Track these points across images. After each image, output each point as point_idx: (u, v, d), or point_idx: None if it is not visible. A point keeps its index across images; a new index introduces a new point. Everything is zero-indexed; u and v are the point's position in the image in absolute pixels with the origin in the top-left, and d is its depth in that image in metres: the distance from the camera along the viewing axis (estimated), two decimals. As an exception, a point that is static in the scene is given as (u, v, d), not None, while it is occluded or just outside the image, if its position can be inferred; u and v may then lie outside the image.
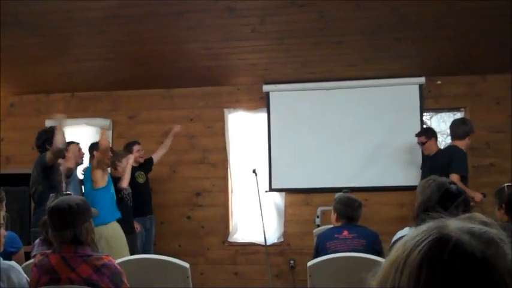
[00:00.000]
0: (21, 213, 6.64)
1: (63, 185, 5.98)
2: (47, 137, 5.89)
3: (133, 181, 6.84)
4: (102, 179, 6.19)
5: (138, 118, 8.13)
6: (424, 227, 0.95)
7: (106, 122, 8.06)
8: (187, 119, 8.00)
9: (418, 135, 6.85)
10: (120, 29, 6.13)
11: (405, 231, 3.33)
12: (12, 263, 2.87)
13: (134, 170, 6.95)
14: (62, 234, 3.00)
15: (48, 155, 5.67)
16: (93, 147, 6.62)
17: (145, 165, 7.23)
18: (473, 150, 7.38)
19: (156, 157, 7.34)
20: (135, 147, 6.98)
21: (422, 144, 6.76)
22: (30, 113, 8.24)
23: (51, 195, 4.19)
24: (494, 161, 7.32)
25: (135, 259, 4.21)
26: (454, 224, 0.94)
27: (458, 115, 7.66)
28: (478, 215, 2.05)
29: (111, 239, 5.95)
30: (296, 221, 7.71)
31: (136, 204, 6.81)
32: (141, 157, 7.13)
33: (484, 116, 7.38)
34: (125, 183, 6.55)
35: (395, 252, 0.95)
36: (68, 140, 6.67)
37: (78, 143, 6.76)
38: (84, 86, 7.96)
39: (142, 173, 7.15)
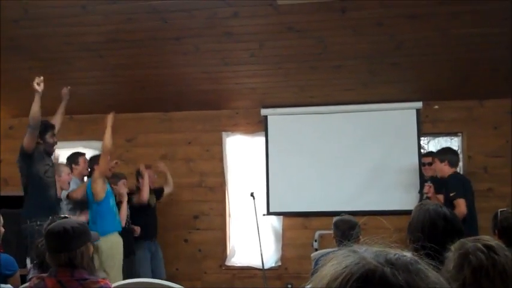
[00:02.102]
0: (18, 235, 6.60)
1: (50, 171, 5.81)
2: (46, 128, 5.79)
3: (145, 204, 6.90)
4: (102, 190, 6.19)
5: (136, 141, 8.13)
6: (342, 262, 0.94)
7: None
8: (185, 142, 8.01)
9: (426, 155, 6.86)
10: (119, 53, 6.17)
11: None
12: (8, 286, 2.86)
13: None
14: (57, 257, 2.98)
15: (25, 137, 5.50)
16: (93, 161, 6.60)
17: (157, 192, 7.27)
18: (470, 175, 7.38)
19: (167, 190, 7.39)
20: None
21: (429, 164, 6.75)
22: (28, 135, 8.23)
23: (49, 217, 4.17)
24: (491, 185, 7.32)
25: (132, 283, 4.18)
26: (370, 254, 0.94)
27: (456, 140, 7.67)
28: (486, 237, 2.05)
29: (103, 253, 5.92)
30: (294, 244, 7.69)
31: (144, 226, 6.83)
32: (153, 182, 7.14)
33: (481, 140, 7.40)
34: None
35: None
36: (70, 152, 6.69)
37: (84, 154, 6.77)
38: (82, 109, 7.97)
39: (154, 196, 7.17)
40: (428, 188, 6.31)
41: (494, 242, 2.05)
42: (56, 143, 5.93)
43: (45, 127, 5.77)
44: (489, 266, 1.93)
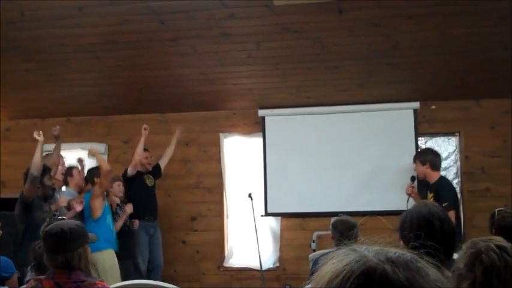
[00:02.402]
0: (15, 237, 6.59)
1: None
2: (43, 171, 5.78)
3: (141, 183, 6.97)
4: (100, 207, 6.21)
5: (133, 142, 8.10)
6: (343, 260, 0.94)
7: (101, 147, 8.06)
8: (182, 143, 7.99)
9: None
10: (115, 54, 6.17)
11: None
12: (5, 288, 2.86)
13: (143, 174, 7.09)
14: (54, 258, 2.98)
15: (25, 186, 5.55)
16: (93, 173, 6.56)
17: (154, 171, 7.29)
18: (468, 175, 7.41)
19: (162, 162, 7.40)
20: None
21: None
22: (26, 137, 8.20)
23: (47, 219, 4.17)
24: (489, 185, 7.33)
25: (129, 285, 4.18)
26: (371, 252, 0.95)
27: (453, 140, 7.68)
28: (498, 238, 2.05)
29: (98, 265, 5.91)
30: (292, 245, 7.68)
31: (141, 207, 6.83)
32: (150, 163, 7.19)
33: (478, 140, 7.40)
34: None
35: None
36: (66, 164, 6.69)
37: (76, 167, 6.78)
38: (79, 111, 7.97)
39: (151, 176, 7.20)
40: (411, 189, 6.37)
41: (507, 243, 2.05)
42: (53, 184, 5.95)
43: (43, 171, 5.76)
44: (501, 266, 1.93)
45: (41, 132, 5.71)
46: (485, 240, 2.04)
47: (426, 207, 2.68)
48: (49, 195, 5.86)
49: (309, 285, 1.06)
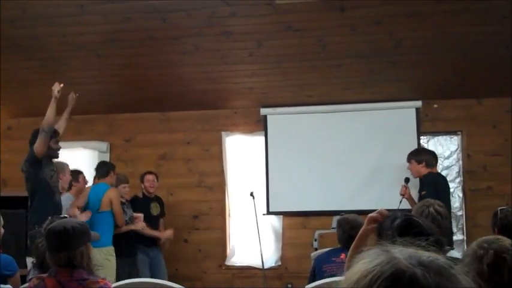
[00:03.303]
0: (17, 236, 6.60)
1: (57, 183, 5.77)
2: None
3: (147, 211, 6.90)
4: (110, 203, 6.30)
5: (134, 141, 8.13)
6: (373, 260, 0.94)
7: (103, 145, 8.06)
8: (184, 142, 8.00)
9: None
10: (117, 53, 6.17)
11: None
12: (8, 287, 2.85)
13: (150, 200, 7.04)
14: (56, 256, 2.97)
15: (37, 142, 5.41)
16: (109, 166, 6.63)
17: (160, 202, 7.26)
18: (470, 174, 7.40)
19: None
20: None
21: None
22: (27, 135, 8.14)
23: (49, 217, 4.16)
24: (491, 184, 7.32)
25: (132, 283, 4.18)
26: (403, 254, 0.94)
27: (455, 138, 7.67)
28: (503, 238, 2.04)
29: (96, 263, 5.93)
30: (294, 244, 7.68)
31: (142, 235, 6.80)
32: (152, 187, 7.07)
33: (480, 139, 7.40)
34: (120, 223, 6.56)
35: None
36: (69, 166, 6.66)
37: (82, 172, 6.81)
38: (81, 109, 7.93)
39: (158, 205, 7.14)
40: (404, 189, 6.42)
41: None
42: (59, 148, 5.88)
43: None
44: None
45: (62, 85, 5.54)
46: (495, 240, 2.04)
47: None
48: (55, 157, 5.78)
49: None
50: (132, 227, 6.65)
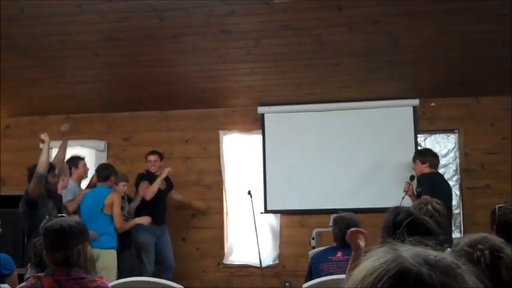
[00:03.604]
0: (15, 235, 6.61)
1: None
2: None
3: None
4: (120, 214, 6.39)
5: (133, 140, 8.13)
6: (380, 258, 0.94)
7: (101, 144, 8.06)
8: (182, 140, 8.00)
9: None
10: (115, 51, 6.17)
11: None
12: (5, 286, 2.85)
13: (155, 177, 7.08)
14: (53, 255, 2.97)
15: (31, 184, 5.53)
16: (110, 170, 6.64)
17: (168, 182, 7.34)
18: (468, 172, 7.41)
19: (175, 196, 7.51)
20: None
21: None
22: (25, 134, 8.23)
23: (47, 216, 4.17)
24: (489, 182, 7.33)
25: (129, 281, 4.18)
26: (409, 253, 0.94)
27: (452, 137, 7.68)
28: (497, 239, 2.04)
29: (99, 264, 5.98)
30: (291, 242, 7.68)
31: (150, 209, 6.87)
32: (155, 167, 7.18)
33: (478, 137, 7.40)
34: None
35: (353, 286, 0.95)
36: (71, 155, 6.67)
37: (83, 158, 6.79)
38: (79, 108, 7.97)
39: (165, 182, 7.20)
40: (408, 186, 6.47)
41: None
42: (58, 182, 5.93)
43: (48, 168, 5.71)
44: None
45: (46, 134, 5.70)
46: (486, 239, 2.04)
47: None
48: (54, 192, 5.83)
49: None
50: (137, 221, 6.73)
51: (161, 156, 7.24)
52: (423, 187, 6.13)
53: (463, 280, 0.91)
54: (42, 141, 5.68)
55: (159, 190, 7.05)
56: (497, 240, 2.05)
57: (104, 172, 6.58)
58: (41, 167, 5.48)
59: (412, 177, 6.62)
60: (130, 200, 7.01)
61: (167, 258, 7.09)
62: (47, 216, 3.70)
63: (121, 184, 6.76)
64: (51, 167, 5.79)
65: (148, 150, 7.56)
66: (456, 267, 0.92)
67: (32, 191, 5.51)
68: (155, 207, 6.97)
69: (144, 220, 6.73)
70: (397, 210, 2.75)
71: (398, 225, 2.60)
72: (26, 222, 5.64)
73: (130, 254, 6.76)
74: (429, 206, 3.56)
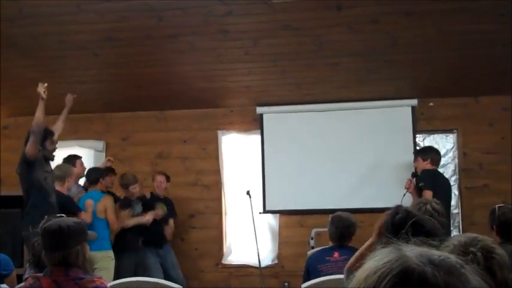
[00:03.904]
0: (13, 235, 6.60)
1: (50, 181, 5.74)
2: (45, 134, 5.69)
3: (151, 210, 6.87)
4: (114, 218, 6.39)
5: (131, 140, 8.12)
6: (384, 258, 0.94)
7: (99, 144, 8.05)
8: (180, 140, 7.99)
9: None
10: (114, 51, 6.17)
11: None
12: (4, 286, 2.84)
13: (157, 200, 7.00)
14: (51, 255, 2.97)
15: (28, 143, 5.41)
16: (99, 173, 6.62)
17: (169, 204, 7.21)
18: (466, 172, 7.41)
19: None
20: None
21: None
22: (24, 135, 8.16)
23: (45, 216, 4.16)
24: (487, 182, 7.33)
25: (127, 282, 4.18)
26: (413, 253, 0.94)
27: (451, 136, 7.68)
28: (488, 239, 2.04)
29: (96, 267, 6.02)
30: (290, 242, 7.68)
31: (150, 233, 6.83)
32: (160, 188, 7.10)
33: (476, 137, 7.40)
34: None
35: (357, 286, 0.95)
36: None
37: (80, 157, 6.79)
38: (77, 108, 7.91)
39: (164, 206, 7.06)
40: (409, 182, 6.46)
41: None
42: (55, 149, 5.88)
43: (45, 134, 5.66)
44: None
45: (46, 85, 5.51)
46: (475, 240, 2.04)
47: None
48: (50, 158, 5.80)
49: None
50: (138, 219, 6.71)
51: (168, 178, 7.17)
52: (425, 182, 6.12)
53: (467, 280, 0.90)
54: (42, 97, 5.48)
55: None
56: (487, 240, 2.05)
57: (92, 176, 6.58)
58: (36, 123, 5.37)
59: (413, 174, 6.60)
60: (141, 200, 6.99)
61: (176, 275, 6.93)
62: (45, 217, 3.70)
63: (131, 187, 6.78)
64: (49, 132, 5.75)
65: (146, 151, 7.59)
66: (460, 267, 0.92)
67: (30, 152, 5.41)
68: (152, 230, 6.87)
69: (147, 218, 6.70)
70: (396, 209, 2.74)
71: (397, 225, 2.59)
72: (23, 184, 5.61)
73: (139, 257, 6.72)
74: (428, 206, 3.56)
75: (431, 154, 6.53)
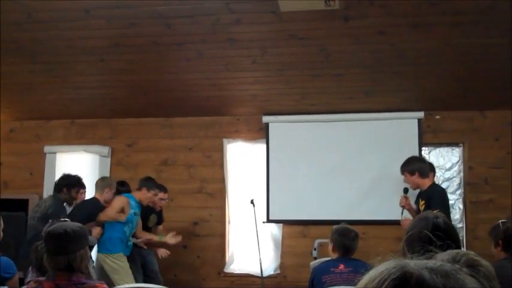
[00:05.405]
0: (16, 238, 6.60)
1: None
2: (69, 182, 6.09)
3: (144, 221, 6.85)
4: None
5: (136, 146, 8.13)
6: (382, 268, 0.96)
7: (105, 149, 8.07)
8: (186, 148, 8.00)
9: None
10: (121, 58, 6.18)
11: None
12: (5, 288, 2.85)
13: (152, 212, 6.94)
14: (56, 260, 2.97)
15: (101, 216, 6.05)
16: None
17: (159, 214, 7.18)
18: (471, 186, 7.39)
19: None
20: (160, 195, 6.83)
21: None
22: (29, 138, 8.25)
23: (49, 220, 4.18)
24: (492, 197, 7.30)
25: (128, 288, 4.18)
26: (412, 262, 0.97)
27: (457, 150, 7.66)
28: (470, 253, 2.04)
29: (108, 270, 6.05)
30: (293, 252, 7.66)
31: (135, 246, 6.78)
32: (161, 205, 7.02)
33: (482, 151, 7.38)
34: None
35: None
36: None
37: (85, 187, 6.56)
38: (83, 113, 7.98)
39: (156, 218, 7.07)
40: (405, 200, 6.10)
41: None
42: (76, 200, 6.20)
43: (78, 182, 6.17)
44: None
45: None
46: (458, 255, 2.03)
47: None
48: (69, 204, 6.20)
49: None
50: (151, 236, 6.86)
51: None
52: (439, 206, 5.35)
53: (463, 282, 0.94)
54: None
55: (148, 227, 6.96)
56: (469, 253, 2.04)
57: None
58: (107, 217, 6.11)
59: (405, 190, 6.19)
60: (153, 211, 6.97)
61: (154, 270, 6.93)
62: (50, 221, 3.70)
63: (160, 195, 6.78)
64: (82, 185, 6.20)
65: (150, 157, 7.58)
66: (456, 272, 0.95)
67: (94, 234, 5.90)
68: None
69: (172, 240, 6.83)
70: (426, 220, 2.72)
71: (424, 238, 2.57)
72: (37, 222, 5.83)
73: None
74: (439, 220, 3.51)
75: (416, 165, 6.00)
